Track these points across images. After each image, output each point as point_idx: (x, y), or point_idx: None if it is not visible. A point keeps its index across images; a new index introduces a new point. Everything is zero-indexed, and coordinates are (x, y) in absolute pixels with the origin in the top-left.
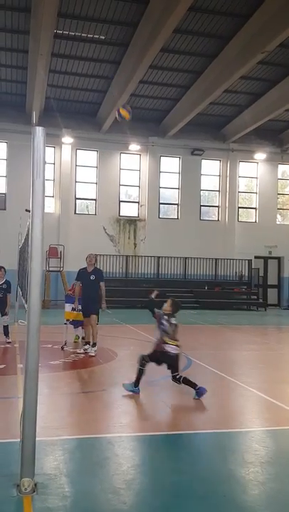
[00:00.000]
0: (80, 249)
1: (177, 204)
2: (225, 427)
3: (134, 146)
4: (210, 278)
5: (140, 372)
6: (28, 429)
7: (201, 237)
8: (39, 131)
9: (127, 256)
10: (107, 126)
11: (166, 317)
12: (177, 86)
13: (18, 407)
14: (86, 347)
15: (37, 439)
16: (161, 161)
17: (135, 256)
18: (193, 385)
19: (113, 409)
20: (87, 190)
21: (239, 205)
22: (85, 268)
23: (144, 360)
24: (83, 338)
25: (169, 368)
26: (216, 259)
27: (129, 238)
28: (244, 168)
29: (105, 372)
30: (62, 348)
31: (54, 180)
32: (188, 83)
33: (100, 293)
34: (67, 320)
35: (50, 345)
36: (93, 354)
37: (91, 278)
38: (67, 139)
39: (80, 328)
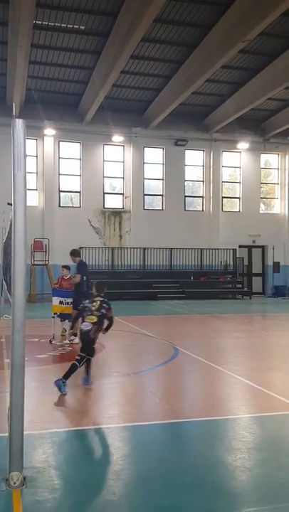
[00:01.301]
0: (66, 242)
1: (162, 195)
2: (212, 415)
3: (117, 138)
4: (195, 268)
5: (72, 369)
6: (16, 423)
7: (186, 227)
8: (19, 123)
9: (112, 248)
10: (89, 118)
11: (88, 300)
12: (159, 76)
13: (5, 401)
14: (72, 338)
15: (25, 432)
16: (144, 152)
17: (121, 248)
18: (66, 376)
19: (102, 401)
20: (71, 182)
21: (223, 195)
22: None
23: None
24: (70, 330)
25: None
26: (201, 250)
27: (114, 230)
28: (227, 157)
29: (93, 365)
30: (50, 341)
31: (37, 173)
32: (170, 73)
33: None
34: (55, 313)
35: (37, 339)
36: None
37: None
38: (50, 131)
39: (67, 321)
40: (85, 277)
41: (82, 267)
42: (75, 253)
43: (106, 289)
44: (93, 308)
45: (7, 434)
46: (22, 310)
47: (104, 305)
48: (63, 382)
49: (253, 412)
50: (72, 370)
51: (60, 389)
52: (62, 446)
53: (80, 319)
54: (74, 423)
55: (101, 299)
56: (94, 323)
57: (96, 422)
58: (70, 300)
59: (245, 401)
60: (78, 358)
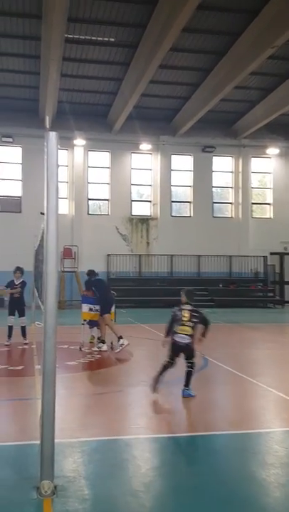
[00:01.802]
0: (94, 249)
1: (189, 202)
2: (244, 428)
3: (145, 146)
4: (224, 275)
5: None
6: (47, 431)
7: (214, 234)
8: (52, 136)
9: (140, 255)
10: (118, 127)
11: (177, 307)
12: (187, 84)
13: (36, 408)
14: (101, 345)
15: (55, 440)
16: (172, 160)
17: (148, 255)
18: (187, 382)
19: (130, 411)
20: (99, 190)
21: (253, 201)
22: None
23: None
24: (98, 338)
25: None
26: (230, 257)
27: (141, 237)
28: (257, 163)
29: (122, 373)
30: (80, 348)
31: (67, 182)
32: (198, 81)
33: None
34: (85, 320)
35: (66, 346)
36: (104, 349)
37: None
38: (80, 141)
39: (96, 328)
40: (93, 288)
41: (88, 284)
42: (88, 273)
43: (195, 297)
44: (184, 319)
45: (38, 442)
46: (54, 317)
47: (194, 314)
48: (187, 388)
49: (286, 426)
50: (190, 376)
51: (190, 395)
52: (92, 455)
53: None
54: (103, 432)
55: (190, 307)
56: (190, 335)
57: (125, 432)
58: (98, 307)
59: (278, 414)
60: (190, 365)
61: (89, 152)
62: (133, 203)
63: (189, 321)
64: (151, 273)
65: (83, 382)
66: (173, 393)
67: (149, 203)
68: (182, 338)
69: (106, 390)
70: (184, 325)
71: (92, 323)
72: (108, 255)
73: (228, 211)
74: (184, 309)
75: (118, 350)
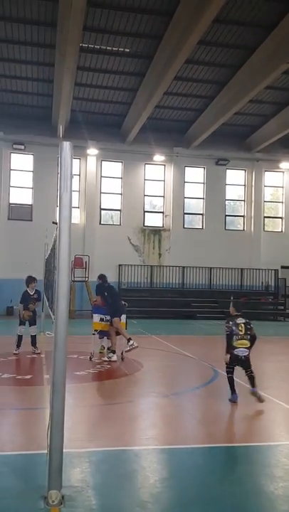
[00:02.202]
0: (105, 260)
1: (202, 214)
2: (253, 441)
3: (158, 157)
4: (235, 288)
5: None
6: (55, 440)
7: (226, 246)
8: (66, 146)
9: (151, 266)
10: (131, 138)
11: (231, 321)
12: (202, 97)
13: (44, 418)
14: (111, 355)
15: (64, 450)
16: (185, 171)
17: (160, 266)
18: (253, 384)
19: (139, 422)
20: (111, 200)
21: (265, 215)
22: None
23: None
24: (108, 348)
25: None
26: (241, 269)
27: (153, 248)
28: (270, 177)
29: (131, 384)
30: (90, 358)
31: (79, 191)
32: (213, 93)
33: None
34: (96, 330)
35: (75, 356)
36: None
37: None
38: (93, 151)
39: (106, 338)
40: (106, 293)
41: (98, 289)
42: (100, 276)
43: (243, 308)
44: (241, 333)
45: (46, 452)
46: (64, 327)
47: (248, 326)
48: (254, 389)
49: None
50: (254, 379)
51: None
52: (99, 466)
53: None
54: (111, 443)
55: (244, 320)
56: (248, 348)
57: (134, 442)
58: (109, 317)
59: (288, 427)
60: (250, 372)
61: (102, 162)
62: (146, 213)
63: (245, 334)
64: (163, 284)
65: (92, 392)
66: (182, 405)
67: (161, 214)
68: (242, 352)
69: (115, 401)
70: (242, 338)
71: (103, 334)
72: (120, 265)
73: (241, 224)
74: (239, 323)
75: (127, 349)
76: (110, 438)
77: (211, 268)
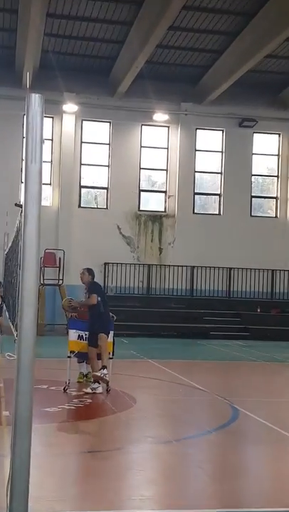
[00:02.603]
0: (86, 256)
1: (219, 194)
2: (284, 504)
3: (160, 116)
4: (264, 297)
5: None
6: (18, 500)
7: (252, 239)
8: (35, 99)
9: (149, 265)
10: (123, 89)
11: None
12: (221, 33)
13: (3, 469)
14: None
15: None
16: (197, 136)
17: (161, 265)
18: None
19: (131, 476)
20: (95, 175)
21: None
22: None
23: None
24: (86, 376)
25: None
26: (272, 271)
27: (152, 241)
28: None
29: (120, 425)
30: (64, 389)
31: (52, 162)
32: (236, 28)
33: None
34: (72, 352)
35: (45, 386)
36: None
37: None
38: (70, 107)
39: (85, 363)
40: (99, 298)
41: (95, 286)
42: (90, 270)
43: None
44: None
45: None
46: (31, 347)
47: None
48: None
49: None
50: None
51: None
52: None
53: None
54: (95, 505)
55: None
56: None
57: (123, 505)
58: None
59: None
60: None
61: (83, 122)
62: (142, 193)
63: None
64: (165, 290)
65: (68, 436)
66: (189, 455)
67: (163, 194)
68: None
69: (99, 448)
70: None
71: (82, 357)
72: (105, 264)
73: (272, 209)
74: None
75: (88, 391)
76: (92, 498)
77: (230, 269)
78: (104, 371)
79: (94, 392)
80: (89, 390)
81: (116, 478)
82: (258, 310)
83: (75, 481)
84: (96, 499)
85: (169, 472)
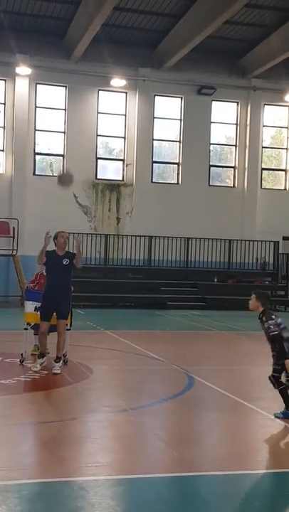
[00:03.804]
0: (41, 225)
1: (177, 163)
2: (237, 468)
3: (117, 81)
4: (221, 267)
5: (284, 392)
6: None
7: (210, 209)
8: None
9: (106, 235)
10: (79, 52)
11: (272, 321)
12: None
13: None
14: (42, 360)
15: None
16: (155, 103)
17: (118, 235)
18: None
19: (87, 445)
20: (50, 141)
21: (263, 166)
22: (53, 251)
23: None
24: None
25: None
26: (230, 241)
27: (109, 210)
28: (271, 113)
29: (77, 395)
30: (20, 361)
31: (4, 127)
32: None
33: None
34: (28, 324)
35: (0, 358)
36: (58, 371)
37: (64, 263)
38: (24, 69)
39: None
40: None
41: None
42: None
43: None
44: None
45: None
46: None
47: None
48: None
49: None
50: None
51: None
52: (34, 503)
53: None
54: (50, 473)
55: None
56: None
57: (79, 472)
58: None
59: (284, 451)
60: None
61: (37, 86)
62: (99, 161)
63: None
64: (122, 260)
65: (24, 407)
66: (144, 423)
67: (121, 162)
68: None
69: (55, 418)
70: None
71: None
72: (67, 234)
73: (230, 179)
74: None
75: (36, 368)
76: (47, 466)
77: (188, 239)
78: (43, 360)
79: (54, 373)
80: (38, 367)
81: (72, 446)
82: (215, 280)
83: (31, 450)
84: (52, 467)
85: (124, 440)
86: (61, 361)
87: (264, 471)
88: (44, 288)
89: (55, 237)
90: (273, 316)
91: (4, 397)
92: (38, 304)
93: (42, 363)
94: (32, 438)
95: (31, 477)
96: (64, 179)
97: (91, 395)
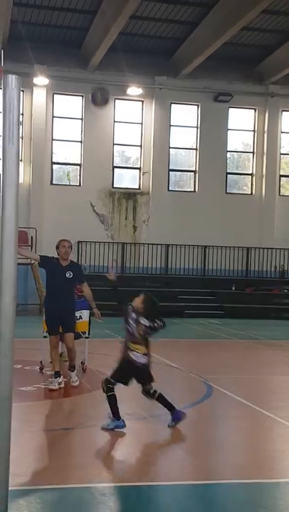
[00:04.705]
0: (59, 234)
1: (194, 171)
2: (257, 476)
3: (134, 90)
4: (239, 275)
5: (111, 400)
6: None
7: (227, 217)
8: (12, 80)
9: (123, 244)
10: (96, 62)
11: (134, 315)
12: (196, 4)
13: None
14: (59, 380)
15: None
16: (172, 111)
17: (135, 244)
18: (169, 406)
19: (107, 451)
20: (68, 151)
21: (281, 173)
22: (57, 259)
23: (108, 384)
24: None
25: (138, 382)
26: (248, 249)
27: (126, 219)
28: None
29: (95, 402)
30: (40, 369)
31: (22, 137)
32: (212, 0)
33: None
34: (48, 331)
35: (19, 366)
36: (76, 383)
37: (67, 276)
38: (41, 80)
39: (61, 342)
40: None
41: (82, 271)
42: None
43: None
44: (140, 337)
45: None
46: (10, 326)
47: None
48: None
49: None
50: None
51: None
52: (55, 508)
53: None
54: (71, 479)
55: (148, 323)
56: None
57: (100, 478)
58: (77, 314)
59: None
60: (151, 388)
61: (54, 96)
62: (115, 170)
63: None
64: (139, 269)
65: (44, 413)
66: (164, 430)
67: (137, 170)
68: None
69: (74, 425)
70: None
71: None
72: (79, 243)
73: (247, 186)
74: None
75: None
76: (68, 472)
77: (205, 247)
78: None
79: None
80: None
81: (92, 453)
82: (233, 288)
83: (52, 456)
84: (73, 473)
85: (144, 447)
86: (75, 370)
87: (285, 480)
88: (45, 300)
89: (57, 247)
90: (134, 315)
91: (25, 403)
92: None
93: (60, 383)
94: (53, 444)
95: (52, 483)
96: (98, 98)
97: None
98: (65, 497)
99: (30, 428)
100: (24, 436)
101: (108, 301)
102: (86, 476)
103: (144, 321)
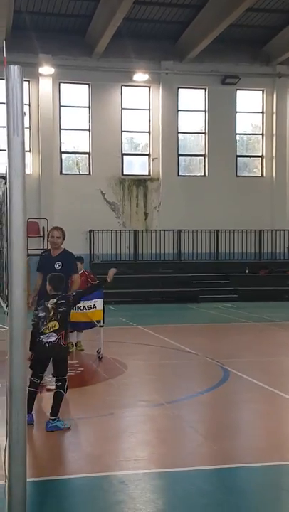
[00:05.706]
0: (70, 224)
1: (204, 155)
2: (276, 459)
3: (140, 76)
4: (252, 258)
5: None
6: (16, 467)
7: (238, 200)
8: (14, 71)
9: (135, 231)
10: (101, 49)
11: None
12: None
13: None
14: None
15: (27, 479)
16: (179, 95)
17: (147, 230)
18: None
19: (126, 439)
20: (76, 140)
21: None
22: (48, 251)
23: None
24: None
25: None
26: (260, 231)
27: (137, 206)
28: None
29: (113, 391)
30: None
31: (30, 128)
32: None
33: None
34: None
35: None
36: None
37: (56, 267)
38: (47, 69)
39: (76, 332)
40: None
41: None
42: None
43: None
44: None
45: (4, 482)
46: (22, 318)
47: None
48: (55, 420)
49: None
50: (59, 401)
51: (58, 428)
52: (75, 497)
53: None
54: (90, 468)
55: (53, 303)
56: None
57: (119, 466)
58: (90, 303)
59: None
60: (60, 384)
61: (60, 85)
62: (125, 157)
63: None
64: (152, 255)
65: (62, 403)
66: (181, 416)
67: (146, 157)
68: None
69: (92, 414)
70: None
71: (73, 326)
72: (90, 231)
73: (258, 168)
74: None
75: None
76: (87, 461)
77: (217, 231)
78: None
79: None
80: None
81: (110, 441)
82: (247, 271)
83: (71, 446)
84: (92, 462)
85: (162, 434)
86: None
87: None
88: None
89: (47, 235)
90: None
91: (41, 394)
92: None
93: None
94: (71, 434)
95: (72, 472)
96: None
97: (127, 390)
98: (84, 486)
99: (47, 418)
100: (38, 428)
101: (122, 289)
102: (105, 465)
103: (49, 304)
